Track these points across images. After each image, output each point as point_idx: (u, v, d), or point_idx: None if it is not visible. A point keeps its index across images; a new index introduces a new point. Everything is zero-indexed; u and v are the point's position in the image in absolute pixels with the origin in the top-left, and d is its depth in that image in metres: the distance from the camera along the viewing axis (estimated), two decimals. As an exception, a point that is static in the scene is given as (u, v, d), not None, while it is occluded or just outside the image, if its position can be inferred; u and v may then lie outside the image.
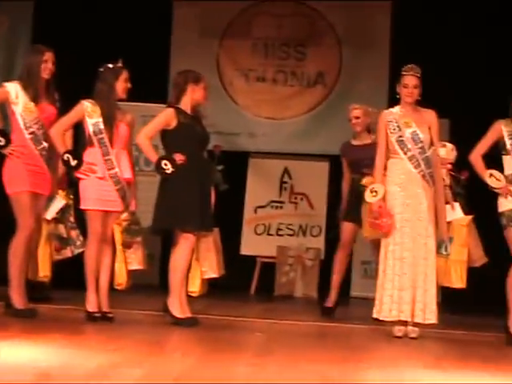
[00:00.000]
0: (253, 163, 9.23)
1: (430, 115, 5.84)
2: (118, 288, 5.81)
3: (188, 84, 5.82)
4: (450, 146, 5.88)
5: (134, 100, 7.44)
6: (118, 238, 5.73)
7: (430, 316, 5.65)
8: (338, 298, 6.93)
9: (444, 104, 7.81)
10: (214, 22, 9.09)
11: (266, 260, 8.99)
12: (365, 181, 6.28)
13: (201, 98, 5.86)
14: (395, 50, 8.77)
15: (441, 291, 6.70)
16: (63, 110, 6.19)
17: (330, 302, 6.90)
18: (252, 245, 9.06)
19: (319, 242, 8.88)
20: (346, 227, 6.83)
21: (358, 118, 6.79)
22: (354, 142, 6.89)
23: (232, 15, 9.11)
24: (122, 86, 5.77)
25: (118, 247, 5.74)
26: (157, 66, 8.80)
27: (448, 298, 7.25)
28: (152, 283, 8.28)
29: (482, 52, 8.67)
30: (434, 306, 5.67)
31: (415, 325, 5.68)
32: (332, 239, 7.39)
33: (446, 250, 5.83)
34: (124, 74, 5.78)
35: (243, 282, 8.81)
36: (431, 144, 5.80)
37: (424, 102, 5.86)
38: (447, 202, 5.81)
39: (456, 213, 5.84)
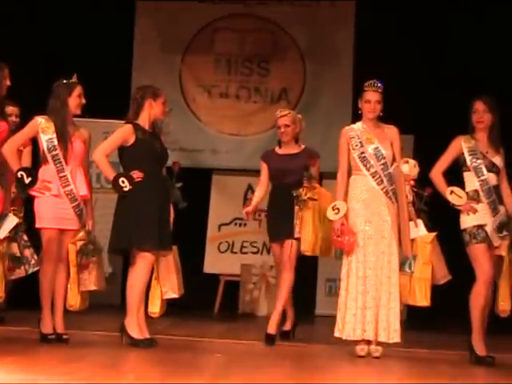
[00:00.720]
0: (216, 180, 9.13)
1: (392, 131, 5.79)
2: (70, 309, 5.66)
3: (146, 99, 5.73)
4: (412, 162, 5.81)
5: (95, 116, 7.38)
6: (73, 258, 5.59)
7: (394, 335, 5.59)
8: (290, 322, 6.50)
9: (408, 120, 7.82)
10: (176, 38, 9.01)
11: (230, 278, 8.87)
12: (300, 192, 6.05)
13: (159, 114, 5.76)
14: (358, 64, 8.75)
15: (406, 309, 6.65)
16: (22, 126, 6.08)
17: (272, 328, 6.21)
18: (215, 263, 8.94)
19: (283, 260, 8.76)
20: (274, 249, 6.42)
21: (287, 126, 6.35)
22: (279, 151, 6.44)
23: (194, 30, 9.03)
24: (75, 101, 5.65)
25: (72, 268, 5.60)
26: (118, 81, 8.70)
27: (412, 316, 7.19)
28: (113, 303, 8.12)
29: (447, 67, 8.66)
30: (397, 325, 5.61)
31: (378, 344, 5.61)
32: None
33: (409, 268, 5.73)
34: (77, 90, 5.66)
35: (207, 301, 8.70)
36: (394, 160, 5.74)
37: (388, 117, 5.81)
38: (410, 219, 5.74)
39: (419, 230, 5.75)
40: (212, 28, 9.07)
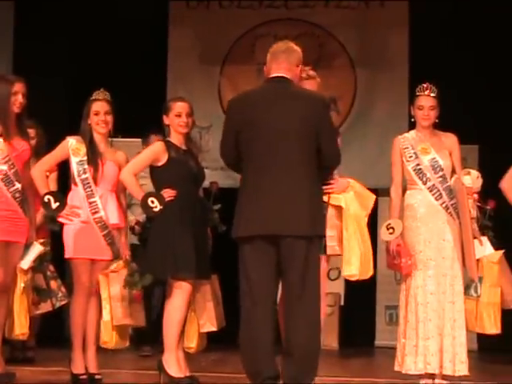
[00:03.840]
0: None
1: (451, 139, 5.68)
2: (104, 347, 5.62)
3: (163, 115, 5.73)
4: (475, 173, 5.70)
5: (128, 135, 7.38)
6: (103, 290, 5.54)
7: (461, 367, 5.46)
8: None
9: (472, 128, 7.69)
10: (213, 47, 9.01)
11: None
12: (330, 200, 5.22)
13: (175, 128, 5.67)
14: (414, 70, 8.64)
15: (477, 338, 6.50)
16: (48, 146, 6.12)
17: None
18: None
19: (338, 286, 8.64)
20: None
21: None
22: None
23: (233, 39, 9.02)
24: (93, 120, 5.66)
25: (103, 301, 5.55)
26: (153, 96, 8.71)
27: (483, 346, 7.04)
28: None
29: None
30: (464, 356, 5.48)
31: (444, 378, 5.47)
32: None
33: (475, 292, 5.65)
34: (95, 107, 5.65)
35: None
36: (453, 172, 5.63)
37: (449, 126, 5.70)
38: (475, 237, 5.61)
39: (485, 248, 5.63)
40: (252, 35, 9.03)
